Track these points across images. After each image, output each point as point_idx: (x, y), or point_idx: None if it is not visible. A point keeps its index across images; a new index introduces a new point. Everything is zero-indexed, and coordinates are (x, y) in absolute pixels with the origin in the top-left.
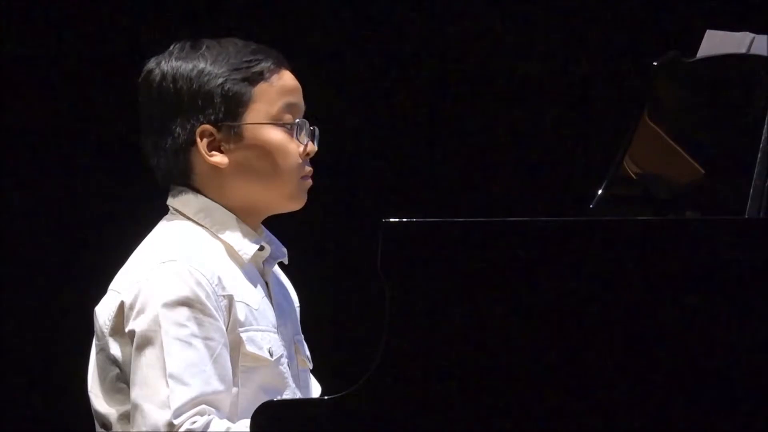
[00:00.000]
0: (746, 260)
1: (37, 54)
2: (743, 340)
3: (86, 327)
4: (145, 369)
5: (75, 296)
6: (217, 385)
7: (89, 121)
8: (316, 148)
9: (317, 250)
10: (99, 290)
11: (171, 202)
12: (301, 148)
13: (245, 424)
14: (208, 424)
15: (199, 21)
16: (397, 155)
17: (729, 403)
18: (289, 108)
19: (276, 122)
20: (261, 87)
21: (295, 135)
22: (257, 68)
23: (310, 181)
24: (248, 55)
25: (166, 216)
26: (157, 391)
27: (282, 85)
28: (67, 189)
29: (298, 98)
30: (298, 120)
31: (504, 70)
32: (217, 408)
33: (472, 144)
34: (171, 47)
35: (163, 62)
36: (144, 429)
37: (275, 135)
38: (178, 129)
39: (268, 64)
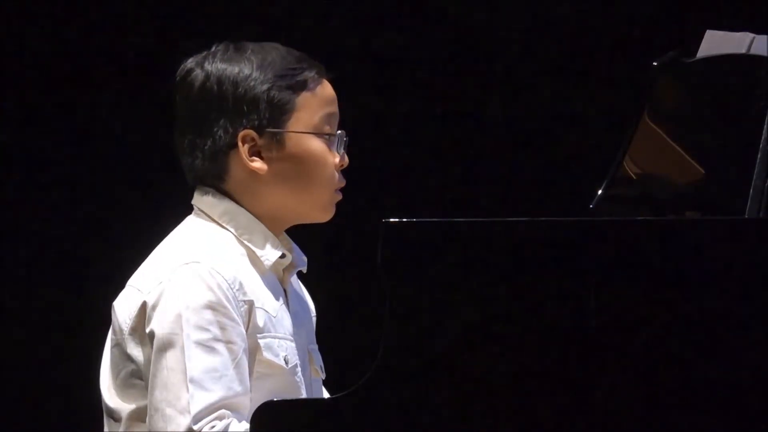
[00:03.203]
0: (746, 260)
1: (43, 47)
2: (743, 341)
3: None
4: (166, 372)
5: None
6: (237, 388)
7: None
8: (347, 161)
9: (317, 251)
10: (117, 286)
11: (196, 202)
12: (337, 160)
13: None
14: (227, 427)
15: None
16: (397, 155)
17: (729, 404)
18: (329, 119)
19: (318, 132)
20: (304, 96)
21: (334, 147)
22: (302, 77)
23: (340, 195)
24: (293, 63)
25: (190, 216)
26: (178, 396)
27: (324, 95)
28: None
29: (337, 109)
30: (339, 132)
31: (504, 70)
32: (236, 411)
33: (472, 144)
34: (213, 48)
35: (206, 63)
36: None
37: (316, 145)
38: (219, 131)
39: (312, 74)
